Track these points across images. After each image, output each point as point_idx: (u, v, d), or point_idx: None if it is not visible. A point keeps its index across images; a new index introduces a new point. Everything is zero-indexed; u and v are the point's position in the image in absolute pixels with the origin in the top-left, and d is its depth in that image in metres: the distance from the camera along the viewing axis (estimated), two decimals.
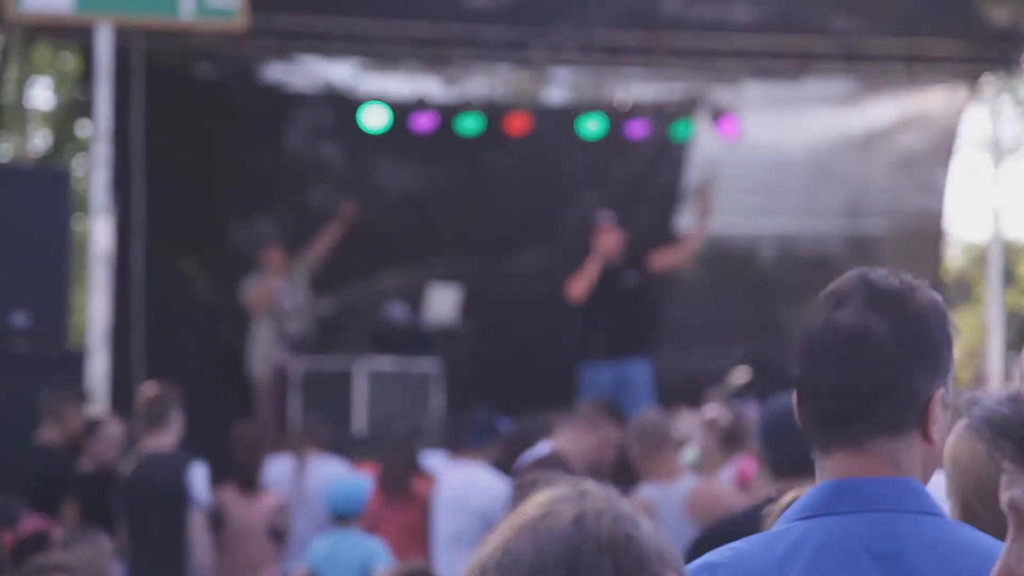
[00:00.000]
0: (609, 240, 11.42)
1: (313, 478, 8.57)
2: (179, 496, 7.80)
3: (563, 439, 6.50)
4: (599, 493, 1.39)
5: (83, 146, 16.35)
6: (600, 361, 11.16)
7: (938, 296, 2.16)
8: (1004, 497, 1.34)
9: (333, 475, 8.42)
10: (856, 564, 2.06)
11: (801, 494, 3.88)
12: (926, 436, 2.11)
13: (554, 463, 5.13)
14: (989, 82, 14.16)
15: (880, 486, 2.09)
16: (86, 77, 11.87)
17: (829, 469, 2.13)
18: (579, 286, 11.35)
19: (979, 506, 2.42)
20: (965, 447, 2.59)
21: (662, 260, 11.87)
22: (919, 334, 2.10)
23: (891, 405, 2.09)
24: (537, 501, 1.39)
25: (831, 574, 2.06)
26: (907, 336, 2.09)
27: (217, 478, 8.71)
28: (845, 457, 2.10)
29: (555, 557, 1.34)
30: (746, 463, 7.13)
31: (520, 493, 1.45)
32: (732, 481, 6.91)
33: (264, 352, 11.72)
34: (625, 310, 11.41)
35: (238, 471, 8.21)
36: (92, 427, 8.39)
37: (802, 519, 2.12)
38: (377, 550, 7.37)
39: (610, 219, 11.65)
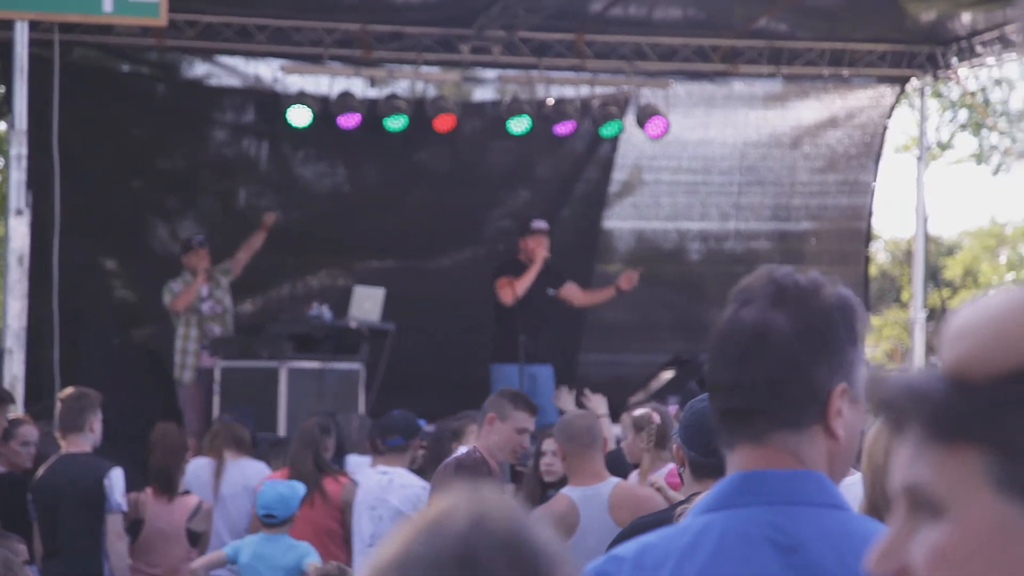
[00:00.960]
0: (544, 247, 11.71)
1: (230, 480, 8.47)
2: (96, 500, 7.72)
3: (478, 437, 6.45)
4: (496, 495, 1.42)
5: (3, 147, 16.10)
6: (508, 363, 11.27)
7: (847, 294, 2.18)
8: (905, 476, 1.32)
9: (251, 478, 8.33)
10: (757, 556, 2.07)
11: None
12: (829, 431, 2.12)
13: (473, 464, 5.07)
14: (915, 83, 14.27)
15: (782, 479, 2.11)
16: (3, 75, 11.68)
17: (734, 464, 2.16)
18: (517, 291, 11.51)
19: (882, 501, 2.41)
20: (877, 443, 2.58)
21: (570, 293, 12.24)
22: (820, 330, 2.11)
23: (790, 400, 2.11)
24: (436, 504, 1.41)
25: (732, 565, 2.07)
26: (808, 332, 2.10)
27: (136, 481, 8.61)
28: (748, 451, 2.13)
29: (450, 557, 1.35)
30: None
31: (439, 494, 1.44)
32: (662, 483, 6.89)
33: (186, 355, 11.62)
34: (537, 315, 11.53)
35: (157, 473, 8.10)
36: (8, 429, 8.24)
37: (706, 512, 2.14)
38: (306, 550, 7.29)
39: (544, 226, 11.81)
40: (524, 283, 11.64)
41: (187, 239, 12.07)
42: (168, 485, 8.06)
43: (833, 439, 2.12)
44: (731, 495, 2.13)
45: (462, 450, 6.34)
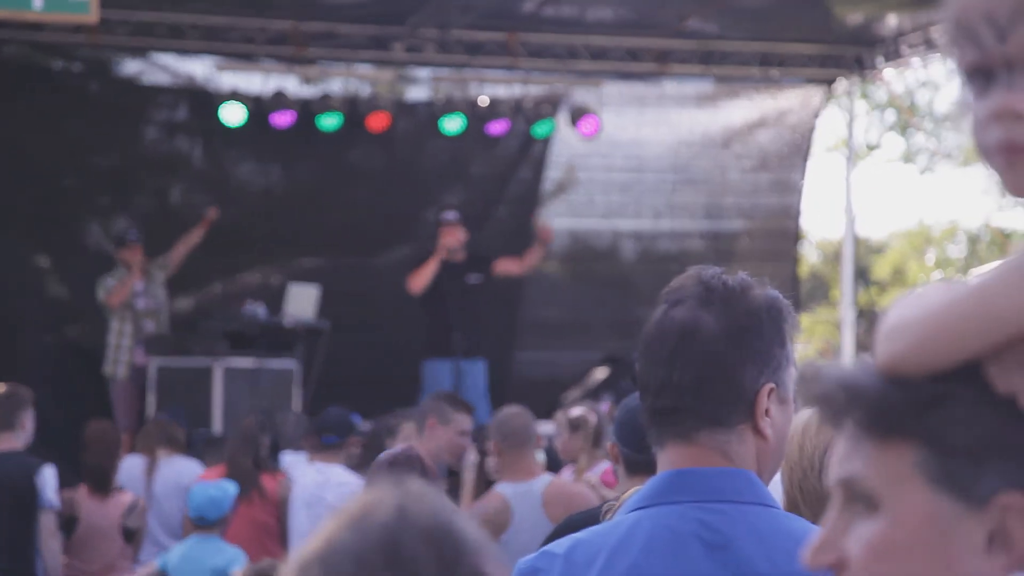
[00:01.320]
0: (451, 237, 11.51)
1: (163, 479, 8.46)
2: (28, 498, 7.68)
3: (419, 439, 6.48)
4: (420, 487, 1.42)
5: None
6: (439, 358, 11.21)
7: (775, 295, 2.21)
8: (841, 470, 1.37)
9: (184, 476, 8.32)
10: (686, 553, 2.09)
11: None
12: (757, 430, 2.14)
13: (407, 460, 5.11)
14: (843, 84, 14.43)
15: (711, 477, 2.13)
16: None
17: (664, 462, 2.18)
18: (418, 281, 11.40)
19: (800, 496, 2.47)
20: (793, 440, 2.65)
21: (504, 266, 12.05)
22: (747, 330, 2.14)
23: (716, 399, 2.13)
24: (360, 497, 1.41)
25: (662, 562, 2.09)
26: (734, 332, 2.13)
27: (70, 478, 8.57)
28: (677, 450, 2.15)
29: (375, 548, 1.35)
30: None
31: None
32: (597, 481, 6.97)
33: (120, 351, 11.56)
34: (466, 308, 11.49)
35: (90, 471, 8.07)
36: None
37: (637, 509, 2.16)
38: (235, 556, 7.29)
39: (454, 217, 11.69)
40: (425, 271, 11.42)
41: (121, 235, 11.99)
42: (103, 483, 8.04)
43: (761, 438, 2.14)
44: (661, 492, 2.14)
45: (396, 448, 6.38)
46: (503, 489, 6.25)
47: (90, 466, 8.06)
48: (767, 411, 2.14)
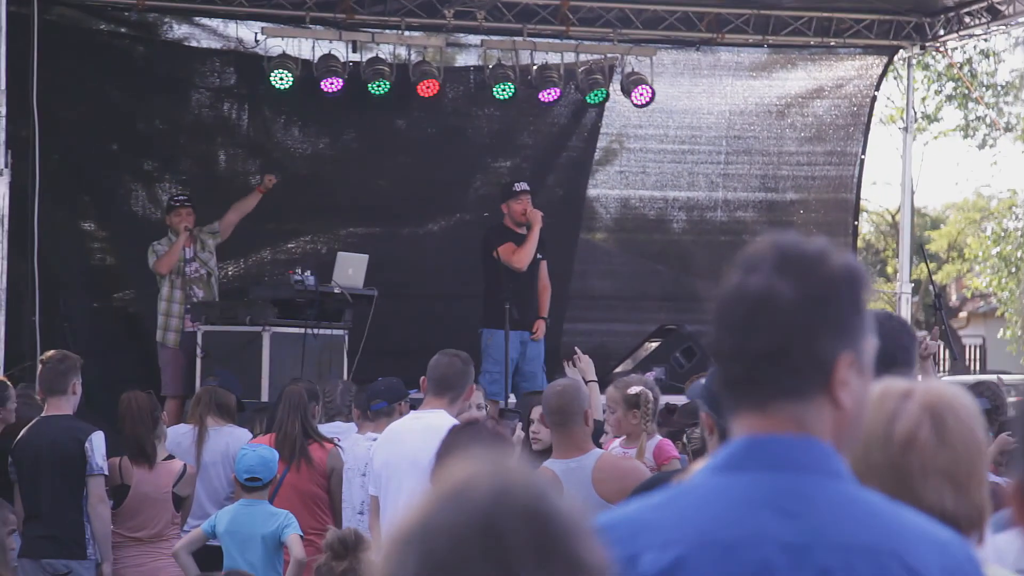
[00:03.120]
0: (527, 208, 11.59)
1: (211, 448, 8.38)
2: (76, 463, 7.64)
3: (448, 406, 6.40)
4: (516, 466, 1.42)
5: None
6: (500, 328, 11.18)
7: (852, 261, 2.16)
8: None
9: (233, 445, 8.24)
10: (758, 520, 2.07)
11: None
12: (834, 401, 2.10)
13: (480, 431, 4.98)
14: (903, 54, 14.21)
15: (786, 446, 2.10)
16: None
17: (738, 431, 2.15)
18: (523, 257, 11.47)
19: (865, 470, 2.39)
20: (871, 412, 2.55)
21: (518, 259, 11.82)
22: (825, 299, 2.10)
23: (792, 369, 2.09)
24: (456, 473, 1.41)
25: (732, 529, 2.07)
26: (812, 300, 2.09)
27: (118, 445, 8.52)
28: (751, 419, 2.12)
29: (472, 528, 1.36)
30: (665, 440, 7.13)
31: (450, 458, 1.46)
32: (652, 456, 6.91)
33: (170, 317, 11.48)
34: (528, 281, 11.46)
35: (129, 443, 7.99)
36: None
37: (711, 475, 2.14)
38: (286, 520, 7.21)
39: (526, 188, 11.73)
40: (528, 247, 11.54)
41: (170, 199, 11.93)
42: (142, 453, 7.94)
43: (839, 409, 2.10)
44: (735, 460, 2.12)
45: (468, 417, 6.29)
46: (552, 465, 6.12)
47: (128, 438, 7.98)
48: (845, 381, 2.09)
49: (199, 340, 10.89)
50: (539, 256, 11.79)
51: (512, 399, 10.64)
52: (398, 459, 6.32)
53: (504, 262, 11.48)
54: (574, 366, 7.62)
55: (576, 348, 8.36)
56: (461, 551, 1.34)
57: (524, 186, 11.79)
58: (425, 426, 6.11)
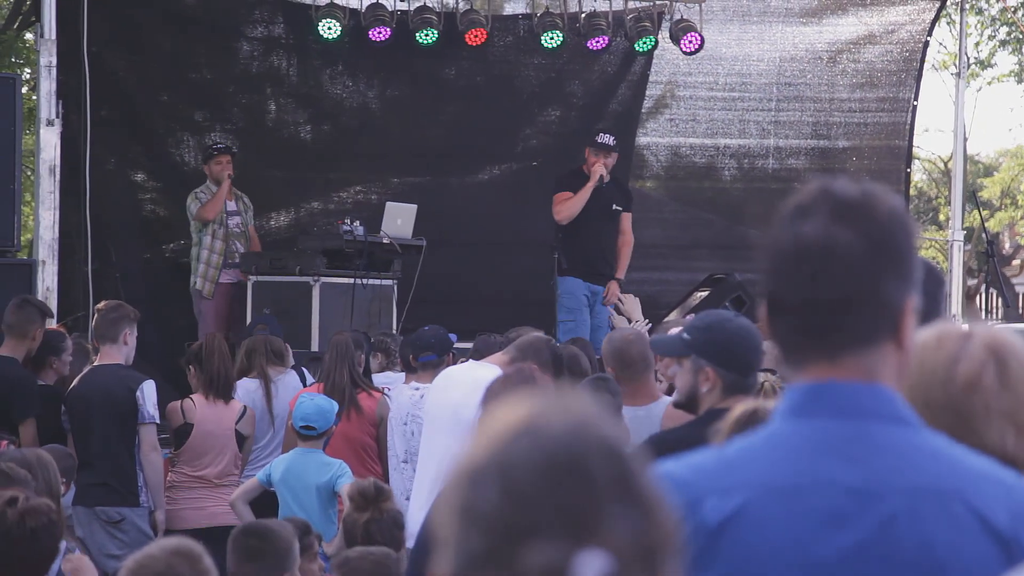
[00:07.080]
0: (607, 162, 11.33)
1: (282, 399, 8.43)
2: (128, 411, 7.71)
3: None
4: (585, 403, 1.44)
5: (31, 57, 15.96)
6: (576, 278, 11.08)
7: (900, 202, 2.15)
8: None
9: (291, 393, 8.29)
10: (824, 467, 2.06)
11: (748, 408, 3.84)
12: (900, 345, 2.11)
13: (528, 378, 4.97)
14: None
15: (852, 392, 2.09)
16: None
17: (803, 380, 2.14)
18: (569, 210, 11.21)
19: (927, 412, 2.37)
20: (927, 352, 2.54)
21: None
22: (886, 243, 2.09)
23: (864, 316, 2.09)
24: (517, 409, 1.41)
25: (797, 476, 2.07)
26: (874, 246, 2.08)
27: (169, 394, 8.58)
28: (819, 370, 2.11)
29: (560, 460, 1.37)
30: None
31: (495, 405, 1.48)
32: None
33: (209, 267, 11.46)
34: (605, 234, 11.31)
35: (215, 379, 8.07)
36: (51, 342, 8.22)
37: (777, 421, 2.14)
38: (340, 470, 7.25)
39: (611, 141, 11.46)
40: (577, 201, 11.21)
41: (208, 146, 11.92)
42: (226, 389, 8.08)
43: (904, 353, 2.11)
44: (801, 406, 2.11)
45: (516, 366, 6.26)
46: (623, 412, 6.11)
47: (214, 374, 8.05)
48: (911, 325, 2.11)
49: (248, 290, 10.92)
50: (618, 207, 11.60)
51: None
52: (440, 409, 6.29)
53: (553, 208, 11.35)
54: (619, 312, 7.57)
55: (616, 291, 8.16)
56: (547, 483, 1.34)
57: (605, 139, 11.45)
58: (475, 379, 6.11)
